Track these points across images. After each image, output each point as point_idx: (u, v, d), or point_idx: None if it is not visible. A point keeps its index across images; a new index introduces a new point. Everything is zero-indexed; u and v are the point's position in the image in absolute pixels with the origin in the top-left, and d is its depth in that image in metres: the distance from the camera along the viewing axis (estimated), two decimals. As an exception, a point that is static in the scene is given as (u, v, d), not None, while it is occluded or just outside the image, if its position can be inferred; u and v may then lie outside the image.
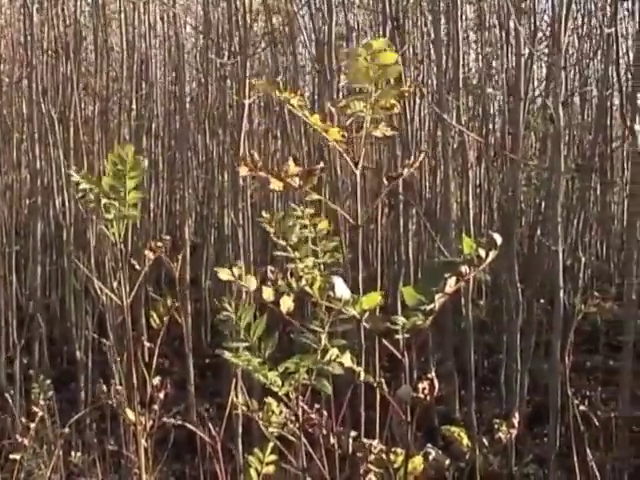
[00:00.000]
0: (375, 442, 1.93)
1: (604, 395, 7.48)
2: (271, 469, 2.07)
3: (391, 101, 1.96)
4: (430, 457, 1.95)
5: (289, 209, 2.15)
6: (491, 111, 9.80)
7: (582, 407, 6.41)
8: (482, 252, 1.82)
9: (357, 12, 9.37)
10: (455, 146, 7.43)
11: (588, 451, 3.92)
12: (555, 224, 5.26)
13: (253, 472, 2.07)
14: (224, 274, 1.97)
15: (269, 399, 2.12)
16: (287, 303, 2.00)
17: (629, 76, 7.60)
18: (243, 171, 1.94)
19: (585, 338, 8.65)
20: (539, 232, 7.22)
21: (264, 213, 2.14)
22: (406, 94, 1.99)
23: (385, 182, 2.05)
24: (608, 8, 8.49)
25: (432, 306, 1.79)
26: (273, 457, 2.07)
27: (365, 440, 1.98)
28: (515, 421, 2.27)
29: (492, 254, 1.82)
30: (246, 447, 5.30)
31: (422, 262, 7.53)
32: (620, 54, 7.54)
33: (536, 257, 7.29)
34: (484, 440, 2.22)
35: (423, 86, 8.63)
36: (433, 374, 1.84)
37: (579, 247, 6.44)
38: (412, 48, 8.72)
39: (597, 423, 6.49)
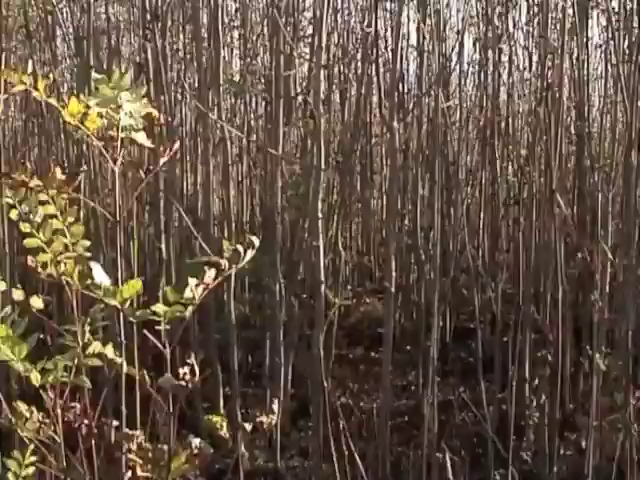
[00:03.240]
0: (138, 432, 1.92)
1: (367, 386, 7.66)
2: (30, 471, 2.03)
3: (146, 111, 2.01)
4: (193, 446, 1.95)
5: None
6: (254, 108, 9.85)
7: (342, 399, 6.55)
8: (241, 249, 1.87)
9: (118, 7, 9.22)
10: (217, 142, 7.42)
11: (348, 442, 3.98)
12: (315, 220, 5.31)
13: (12, 476, 2.02)
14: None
15: (18, 403, 2.06)
16: (37, 302, 1.99)
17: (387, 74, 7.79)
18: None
19: (348, 331, 8.84)
20: (301, 227, 7.30)
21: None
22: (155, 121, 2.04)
23: (142, 175, 2.06)
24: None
25: (192, 295, 1.82)
26: (33, 459, 2.02)
27: (128, 431, 1.97)
28: (275, 407, 2.29)
29: (250, 253, 1.86)
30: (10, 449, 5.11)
31: (183, 259, 7.48)
32: (379, 53, 7.71)
33: (298, 252, 7.38)
34: (246, 426, 2.22)
35: (185, 82, 8.57)
36: (193, 360, 1.85)
37: (340, 242, 6.55)
38: (173, 44, 8.65)
39: (358, 414, 6.65)
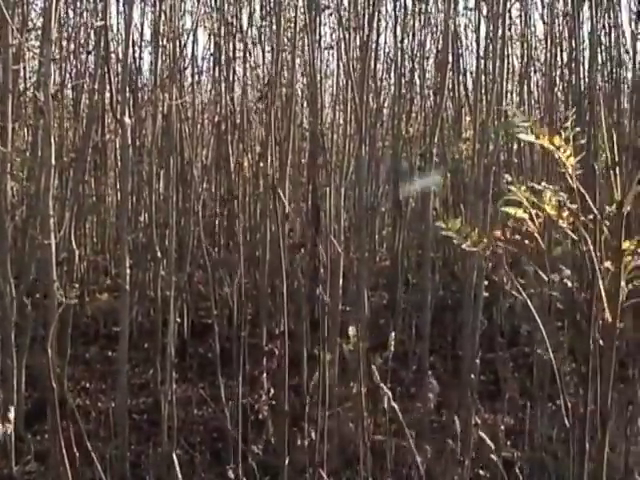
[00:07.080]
0: None
1: (104, 386, 7.55)
2: None
3: None
4: None
5: None
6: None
7: (79, 400, 6.41)
8: None
9: None
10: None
11: (86, 443, 3.91)
12: (47, 217, 5.18)
13: None
14: None
15: None
16: None
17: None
18: None
19: (83, 330, 8.70)
20: (32, 225, 7.11)
21: None
22: None
23: None
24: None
25: None
26: None
27: None
28: (11, 416, 2.23)
29: None
30: None
31: None
32: (111, 47, 7.62)
33: (30, 251, 7.18)
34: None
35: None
36: None
37: (73, 240, 6.41)
38: None
39: (96, 414, 6.56)
